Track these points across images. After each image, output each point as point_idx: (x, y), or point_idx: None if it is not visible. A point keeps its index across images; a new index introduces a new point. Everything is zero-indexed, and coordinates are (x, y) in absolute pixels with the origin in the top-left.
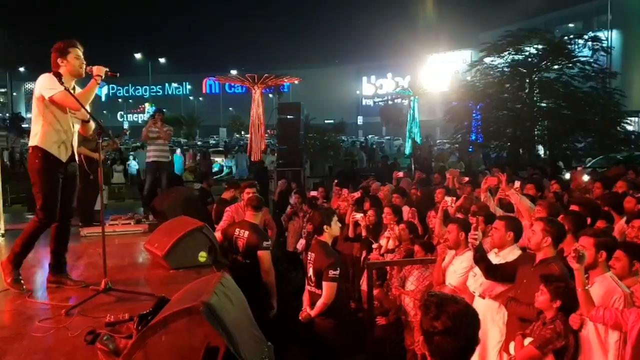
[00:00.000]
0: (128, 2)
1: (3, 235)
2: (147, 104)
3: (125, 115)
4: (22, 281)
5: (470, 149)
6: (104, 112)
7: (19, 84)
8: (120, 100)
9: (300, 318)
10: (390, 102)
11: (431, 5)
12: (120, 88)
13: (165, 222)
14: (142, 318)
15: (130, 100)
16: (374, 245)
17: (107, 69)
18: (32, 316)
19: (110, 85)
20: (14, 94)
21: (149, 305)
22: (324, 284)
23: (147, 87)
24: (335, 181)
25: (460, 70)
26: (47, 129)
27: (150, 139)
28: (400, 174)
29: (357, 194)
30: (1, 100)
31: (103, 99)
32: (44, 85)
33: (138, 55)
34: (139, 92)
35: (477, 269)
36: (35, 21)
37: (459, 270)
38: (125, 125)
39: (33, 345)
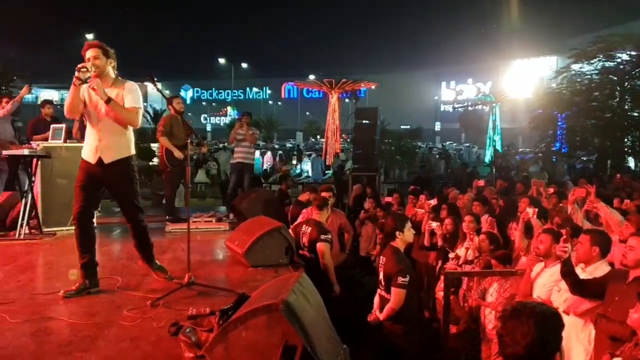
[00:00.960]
0: (213, 10)
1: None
2: (229, 108)
3: (208, 118)
4: (89, 288)
5: (553, 159)
6: (189, 114)
7: None
8: (204, 103)
9: (368, 320)
10: (470, 108)
11: (516, 9)
12: (204, 92)
13: (245, 221)
14: (224, 313)
15: (214, 104)
16: (451, 255)
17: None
18: (121, 305)
19: (195, 89)
20: None
21: (229, 300)
22: (393, 289)
23: (230, 91)
24: (411, 187)
25: (546, 77)
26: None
27: (237, 141)
28: (481, 182)
29: (433, 202)
30: None
31: (188, 102)
32: None
33: (222, 60)
34: (221, 96)
35: (562, 284)
36: (117, 28)
37: (547, 284)
38: (209, 128)
39: (121, 333)
